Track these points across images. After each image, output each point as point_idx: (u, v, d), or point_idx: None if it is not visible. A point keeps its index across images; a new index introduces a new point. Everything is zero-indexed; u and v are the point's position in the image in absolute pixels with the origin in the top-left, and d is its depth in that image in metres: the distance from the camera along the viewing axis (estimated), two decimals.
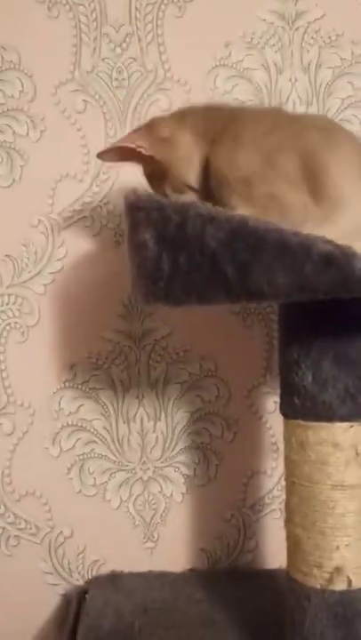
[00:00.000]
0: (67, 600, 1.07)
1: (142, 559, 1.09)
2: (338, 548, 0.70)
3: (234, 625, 0.88)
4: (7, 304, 1.05)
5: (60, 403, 1.07)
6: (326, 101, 1.05)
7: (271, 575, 1.03)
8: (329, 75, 1.05)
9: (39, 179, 1.03)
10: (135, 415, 1.08)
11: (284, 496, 0.77)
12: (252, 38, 1.03)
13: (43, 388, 1.06)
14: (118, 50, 1.02)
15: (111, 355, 1.06)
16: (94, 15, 1.01)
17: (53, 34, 1.01)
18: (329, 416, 0.70)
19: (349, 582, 0.70)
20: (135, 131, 0.79)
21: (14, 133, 1.02)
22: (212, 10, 1.02)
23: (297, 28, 1.04)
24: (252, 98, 1.04)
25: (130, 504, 1.09)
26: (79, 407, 1.07)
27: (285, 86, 1.05)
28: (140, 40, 1.02)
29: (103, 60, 1.02)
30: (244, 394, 1.08)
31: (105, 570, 1.08)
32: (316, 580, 0.71)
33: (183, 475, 1.09)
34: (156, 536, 1.10)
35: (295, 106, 1.05)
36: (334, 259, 0.57)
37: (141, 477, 1.09)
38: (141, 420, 1.08)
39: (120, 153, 0.78)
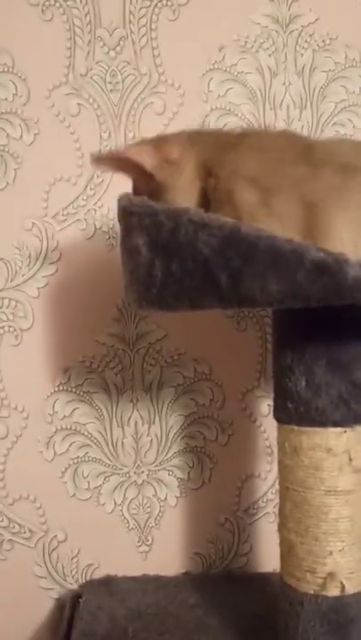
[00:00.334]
0: (60, 604, 1.07)
1: (136, 563, 1.08)
2: (331, 553, 0.70)
3: (228, 629, 0.88)
4: (1, 307, 1.04)
5: (54, 406, 1.06)
6: (320, 105, 1.05)
7: (265, 578, 1.03)
8: (323, 78, 1.05)
9: (33, 182, 1.03)
10: (129, 419, 1.08)
11: (278, 500, 0.77)
12: (246, 42, 1.03)
13: (37, 392, 1.06)
14: (112, 53, 1.02)
15: (105, 358, 1.06)
16: (88, 18, 1.01)
17: (47, 37, 1.01)
18: (322, 421, 0.70)
19: (343, 588, 0.70)
20: (142, 143, 0.73)
21: (8, 136, 1.02)
22: (206, 13, 1.02)
23: (291, 32, 1.04)
24: (246, 101, 1.04)
25: (124, 508, 1.09)
26: (73, 411, 1.07)
27: (279, 90, 1.05)
28: (134, 43, 1.02)
29: (97, 63, 1.02)
30: (239, 397, 1.08)
31: (99, 574, 1.08)
32: (310, 586, 0.71)
33: (177, 478, 1.09)
34: (150, 540, 1.10)
35: (289, 109, 1.05)
36: (327, 266, 0.57)
37: (136, 481, 1.08)
38: (135, 423, 1.08)
39: (117, 162, 0.72)
